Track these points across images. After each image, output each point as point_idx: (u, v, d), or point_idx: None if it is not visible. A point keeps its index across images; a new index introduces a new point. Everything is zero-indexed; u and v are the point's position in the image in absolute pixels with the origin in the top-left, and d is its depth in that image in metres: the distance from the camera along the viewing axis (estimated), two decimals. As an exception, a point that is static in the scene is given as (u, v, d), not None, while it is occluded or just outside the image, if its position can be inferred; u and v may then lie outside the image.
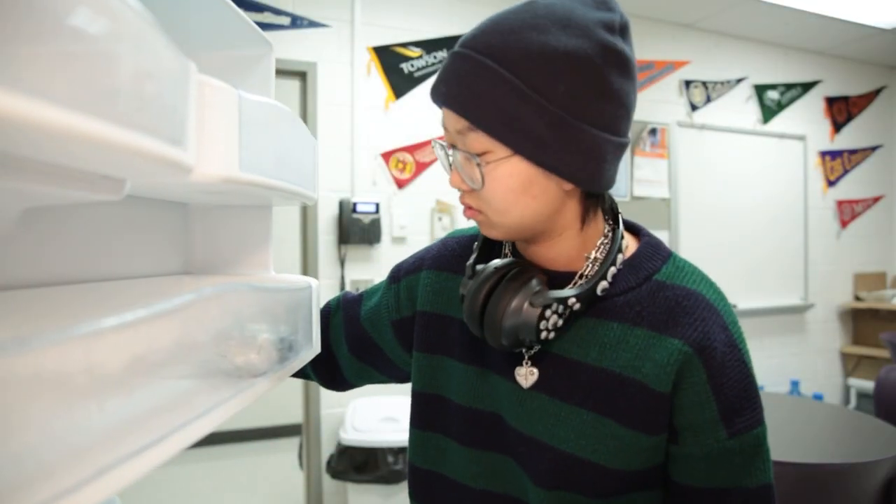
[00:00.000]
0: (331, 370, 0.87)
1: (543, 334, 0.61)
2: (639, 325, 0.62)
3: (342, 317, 0.85)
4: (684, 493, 0.63)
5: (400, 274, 0.82)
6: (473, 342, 0.70)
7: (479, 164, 0.58)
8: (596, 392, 0.62)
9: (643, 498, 0.64)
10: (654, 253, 0.66)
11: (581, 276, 0.65)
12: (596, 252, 0.65)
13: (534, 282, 0.62)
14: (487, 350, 0.69)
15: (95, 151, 0.28)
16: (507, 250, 0.72)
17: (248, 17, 0.69)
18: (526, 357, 0.66)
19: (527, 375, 0.66)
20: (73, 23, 0.24)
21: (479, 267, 0.66)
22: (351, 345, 0.84)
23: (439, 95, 0.60)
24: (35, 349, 0.26)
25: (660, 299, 0.63)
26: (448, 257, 0.78)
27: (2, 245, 0.45)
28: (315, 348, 0.79)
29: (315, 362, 0.85)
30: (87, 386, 0.30)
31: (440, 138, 0.65)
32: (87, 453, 0.29)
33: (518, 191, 0.59)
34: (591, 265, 0.65)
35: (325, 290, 2.69)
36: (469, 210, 0.63)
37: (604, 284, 0.63)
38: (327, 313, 0.87)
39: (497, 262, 0.65)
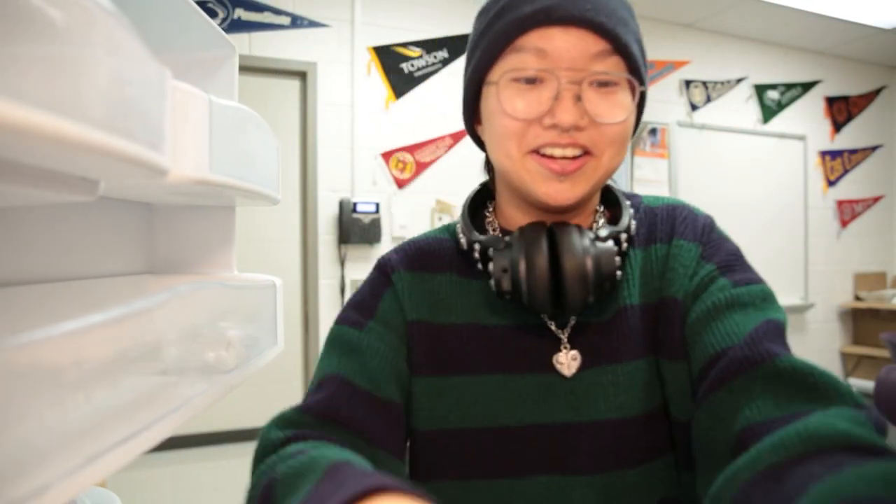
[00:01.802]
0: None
1: (619, 273, 0.56)
2: (651, 244, 0.62)
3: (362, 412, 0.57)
4: (723, 355, 0.51)
5: (373, 311, 0.63)
6: (480, 348, 0.59)
7: (636, 93, 0.57)
8: (642, 335, 0.59)
9: (666, 463, 0.59)
10: (627, 195, 0.66)
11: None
12: (599, 207, 0.65)
13: (574, 227, 0.57)
14: (498, 352, 0.59)
15: (74, 154, 0.29)
16: (493, 228, 0.65)
17: (210, 19, 0.70)
18: (564, 339, 0.58)
19: (569, 363, 0.58)
20: (51, 26, 0.25)
21: (502, 239, 0.58)
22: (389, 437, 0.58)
23: (579, 12, 0.52)
24: (30, 343, 0.27)
25: (657, 219, 0.63)
26: (417, 257, 0.64)
27: None
28: (279, 346, 0.82)
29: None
30: (77, 379, 0.31)
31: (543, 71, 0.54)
32: (76, 442, 0.31)
33: (632, 129, 0.57)
34: (601, 218, 0.64)
35: (325, 289, 2.69)
36: (572, 156, 0.54)
37: (628, 220, 0.60)
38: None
39: (526, 227, 0.57)
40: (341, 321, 0.64)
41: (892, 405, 2.34)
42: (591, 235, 0.56)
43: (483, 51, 0.57)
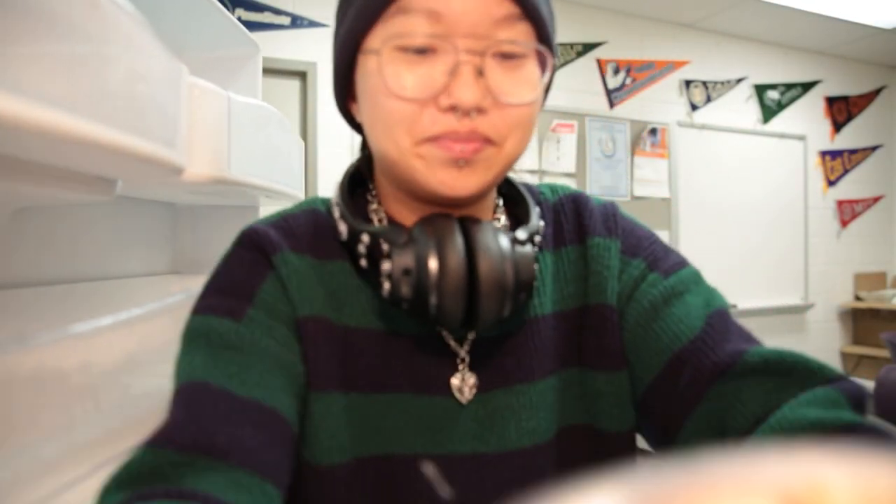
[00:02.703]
0: None
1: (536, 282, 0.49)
2: (561, 246, 0.54)
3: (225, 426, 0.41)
4: (684, 361, 0.47)
5: (251, 296, 0.47)
6: (384, 358, 0.48)
7: (546, 68, 0.46)
8: (553, 346, 0.51)
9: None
10: (531, 190, 0.57)
11: None
12: (497, 200, 0.55)
13: (489, 224, 0.47)
14: (402, 366, 0.48)
15: (89, 153, 0.29)
16: (379, 219, 0.52)
17: (234, 18, 0.70)
18: (460, 356, 0.49)
19: (464, 387, 0.48)
20: (67, 25, 0.25)
21: (403, 232, 0.46)
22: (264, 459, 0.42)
23: None
24: (34, 348, 0.27)
25: (561, 217, 0.55)
26: (303, 237, 0.50)
27: None
28: None
29: None
30: (84, 383, 0.31)
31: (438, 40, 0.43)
32: (83, 450, 0.30)
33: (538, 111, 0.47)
34: (500, 213, 0.54)
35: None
36: (471, 142, 0.43)
37: (536, 218, 0.51)
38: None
39: (428, 218, 0.46)
40: (204, 310, 0.46)
41: (892, 405, 2.34)
42: (510, 236, 0.47)
43: (359, 8, 0.45)
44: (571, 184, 3.21)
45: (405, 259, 0.44)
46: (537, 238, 0.49)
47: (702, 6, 3.36)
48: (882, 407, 2.38)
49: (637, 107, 3.44)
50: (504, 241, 0.45)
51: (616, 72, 3.38)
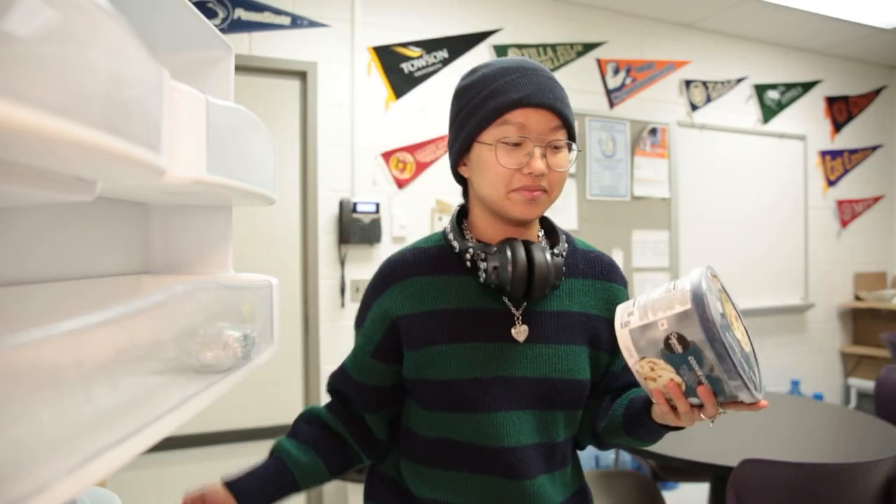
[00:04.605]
0: (366, 440, 0.96)
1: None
2: (590, 277, 0.93)
3: (352, 391, 0.95)
4: (617, 378, 0.95)
5: (362, 320, 0.94)
6: (462, 325, 0.86)
7: (571, 151, 0.86)
8: (577, 330, 0.89)
9: (585, 405, 0.93)
10: (561, 229, 0.95)
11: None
12: (539, 231, 0.95)
13: (538, 244, 0.87)
14: (474, 327, 0.86)
15: (74, 154, 0.29)
16: (471, 239, 0.92)
17: (206, 19, 0.70)
18: (517, 316, 0.87)
19: (521, 332, 0.86)
20: (46, 25, 0.25)
21: (493, 247, 0.86)
22: (367, 405, 0.94)
23: (548, 100, 0.81)
24: (29, 343, 0.27)
25: (591, 258, 0.95)
26: (414, 265, 0.90)
27: None
28: (275, 346, 0.80)
29: (356, 439, 0.96)
30: (75, 378, 0.31)
31: (519, 136, 0.82)
32: (75, 442, 0.31)
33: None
34: (542, 239, 0.94)
35: (325, 289, 2.69)
36: (537, 191, 0.82)
37: (563, 243, 0.92)
38: (340, 407, 0.97)
39: (506, 239, 0.85)
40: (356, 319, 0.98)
41: (892, 405, 2.33)
42: (550, 252, 0.86)
43: (479, 119, 0.83)
44: (572, 183, 3.22)
45: (495, 261, 0.84)
46: (565, 254, 0.90)
47: (702, 6, 3.36)
48: (882, 407, 2.38)
49: (637, 107, 3.44)
50: (547, 254, 0.85)
51: (616, 72, 3.38)
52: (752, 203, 3.81)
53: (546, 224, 0.96)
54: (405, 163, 2.83)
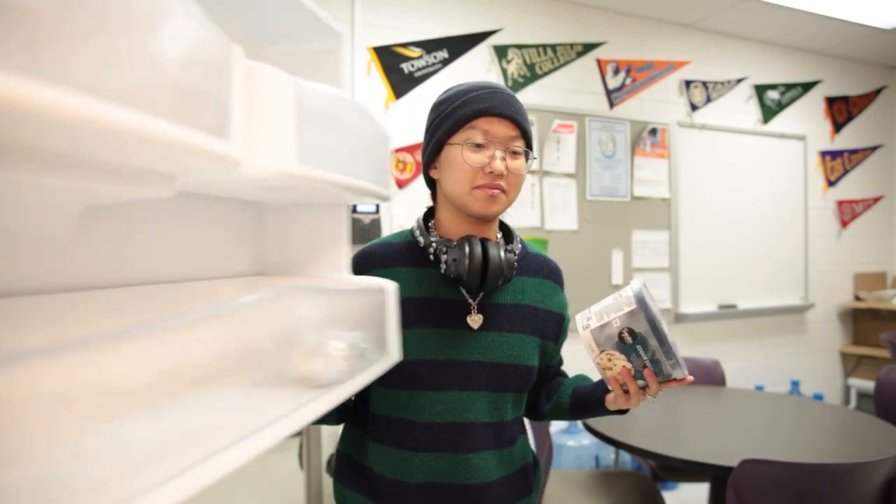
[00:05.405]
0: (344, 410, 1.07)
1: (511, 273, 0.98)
2: (539, 276, 1.05)
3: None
4: (552, 369, 1.12)
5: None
6: (422, 311, 0.96)
7: (528, 158, 0.97)
8: (527, 321, 1.01)
9: (531, 389, 1.06)
10: (517, 235, 1.08)
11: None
12: (499, 232, 1.07)
13: (494, 242, 0.98)
14: (434, 314, 0.96)
15: (124, 143, 0.26)
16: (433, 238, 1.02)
17: (318, 10, 0.65)
18: (473, 305, 0.98)
19: (476, 320, 0.97)
20: (118, 16, 0.24)
21: (454, 242, 0.97)
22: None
23: (510, 112, 0.93)
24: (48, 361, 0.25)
25: (541, 261, 1.08)
26: (384, 256, 1.01)
27: (64, 246, 0.43)
28: (392, 357, 0.73)
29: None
30: (118, 400, 0.27)
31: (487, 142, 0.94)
32: (167, 454, 0.28)
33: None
34: (500, 239, 1.05)
35: (325, 290, 2.69)
36: (496, 189, 0.94)
37: (517, 243, 1.06)
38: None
39: (466, 236, 0.96)
40: None
41: (892, 405, 2.33)
42: (504, 248, 0.97)
43: (450, 125, 0.95)
44: (572, 184, 3.22)
45: (454, 255, 0.94)
46: (518, 251, 1.04)
47: (702, 6, 3.36)
48: (882, 407, 2.37)
49: (637, 107, 3.44)
50: (501, 251, 0.95)
51: (616, 72, 3.38)
52: (751, 203, 3.81)
53: (504, 227, 1.09)
54: (405, 163, 2.83)
